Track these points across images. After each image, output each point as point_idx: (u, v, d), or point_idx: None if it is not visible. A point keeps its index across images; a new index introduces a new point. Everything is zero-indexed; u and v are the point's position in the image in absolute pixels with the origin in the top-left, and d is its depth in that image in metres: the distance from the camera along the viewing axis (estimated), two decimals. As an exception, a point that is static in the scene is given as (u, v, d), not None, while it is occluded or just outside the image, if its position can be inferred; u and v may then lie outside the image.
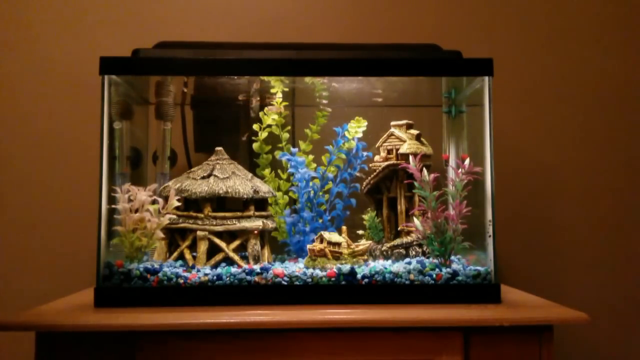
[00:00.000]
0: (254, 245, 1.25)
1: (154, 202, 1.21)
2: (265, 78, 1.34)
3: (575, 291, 1.68)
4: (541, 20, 1.74)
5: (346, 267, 1.15)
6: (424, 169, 1.27)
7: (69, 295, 1.26)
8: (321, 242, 1.24)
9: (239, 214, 1.26)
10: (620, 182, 1.72)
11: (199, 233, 1.22)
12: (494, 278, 1.15)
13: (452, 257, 1.25)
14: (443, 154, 1.47)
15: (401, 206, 1.36)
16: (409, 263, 1.21)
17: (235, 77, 1.37)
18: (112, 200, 1.16)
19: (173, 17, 1.68)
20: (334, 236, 1.24)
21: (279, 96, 1.42)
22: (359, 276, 1.15)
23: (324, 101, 1.46)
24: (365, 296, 1.13)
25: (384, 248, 1.34)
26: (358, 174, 1.43)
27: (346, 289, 1.14)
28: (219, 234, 1.24)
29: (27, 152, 1.63)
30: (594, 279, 1.69)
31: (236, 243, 1.25)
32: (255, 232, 1.25)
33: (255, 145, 1.44)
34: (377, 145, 1.42)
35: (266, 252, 1.29)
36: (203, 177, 1.27)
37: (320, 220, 1.42)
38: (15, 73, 1.64)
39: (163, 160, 1.43)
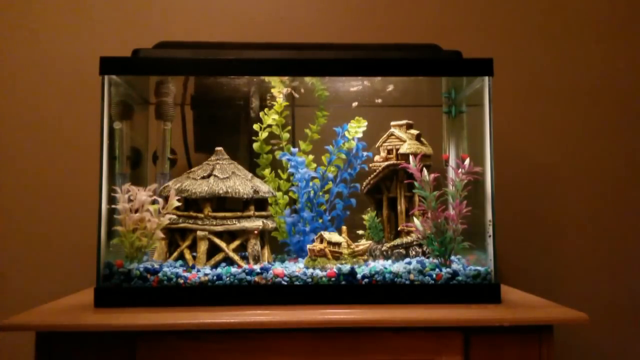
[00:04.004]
0: (254, 245, 1.25)
1: (154, 202, 1.21)
2: (266, 78, 1.34)
3: (575, 291, 1.68)
4: (541, 20, 1.74)
5: (346, 267, 1.15)
6: (424, 169, 1.27)
7: (69, 295, 1.26)
8: (321, 242, 1.24)
9: (239, 214, 1.26)
10: (621, 182, 1.72)
11: (199, 233, 1.22)
12: (494, 278, 1.15)
13: (452, 257, 1.25)
14: (443, 154, 1.47)
15: (401, 206, 1.36)
16: (409, 263, 1.21)
17: (236, 77, 1.37)
18: (112, 200, 1.16)
19: (173, 17, 1.68)
20: (334, 236, 1.24)
21: (279, 96, 1.42)
22: (359, 276, 1.15)
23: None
24: (365, 296, 1.13)
25: (384, 248, 1.33)
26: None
27: (346, 289, 1.14)
28: (219, 234, 1.24)
29: (27, 152, 1.63)
30: (594, 279, 1.69)
31: (236, 243, 1.25)
32: (255, 232, 1.25)
33: (255, 145, 1.44)
34: (377, 145, 1.42)
35: (266, 252, 1.29)
36: (203, 177, 1.27)
37: (320, 220, 1.42)
38: (16, 73, 1.64)
39: (163, 160, 1.43)
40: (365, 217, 1.38)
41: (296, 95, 1.42)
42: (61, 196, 1.62)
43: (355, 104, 1.40)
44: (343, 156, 1.45)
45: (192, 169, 1.31)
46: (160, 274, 1.13)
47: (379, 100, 1.44)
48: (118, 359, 1.02)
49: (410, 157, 1.31)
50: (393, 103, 1.48)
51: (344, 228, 1.28)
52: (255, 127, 1.43)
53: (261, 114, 1.44)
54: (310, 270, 1.17)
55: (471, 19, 1.73)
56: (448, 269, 1.17)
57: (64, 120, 1.64)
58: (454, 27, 1.72)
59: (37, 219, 1.62)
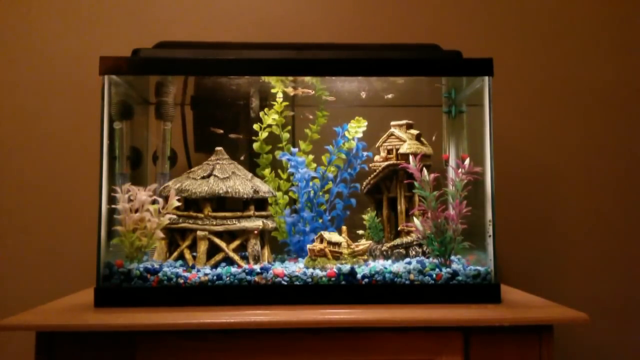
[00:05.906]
0: (254, 245, 1.25)
1: (154, 202, 1.21)
2: (266, 78, 1.34)
3: (575, 291, 1.68)
4: (541, 21, 1.74)
5: (346, 267, 1.15)
6: (424, 169, 1.27)
7: (69, 295, 1.26)
8: (321, 242, 1.24)
9: (239, 214, 1.26)
10: (620, 182, 1.72)
11: (199, 233, 1.22)
12: (494, 278, 1.15)
13: (452, 257, 1.25)
14: (443, 154, 1.47)
15: (401, 206, 1.36)
16: (409, 263, 1.21)
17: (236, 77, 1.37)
18: (112, 200, 1.16)
19: (173, 17, 1.68)
20: (334, 236, 1.24)
21: (279, 96, 1.42)
22: (359, 276, 1.15)
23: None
24: (365, 296, 1.13)
25: (384, 248, 1.33)
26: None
27: (346, 289, 1.14)
28: (219, 234, 1.24)
29: (27, 152, 1.63)
30: (594, 279, 1.69)
31: (236, 243, 1.25)
32: (255, 232, 1.25)
33: (255, 145, 1.44)
34: (377, 145, 1.42)
35: (266, 252, 1.29)
36: (203, 177, 1.27)
37: (320, 220, 1.42)
38: (15, 73, 1.64)
39: (163, 160, 1.43)
40: (365, 217, 1.38)
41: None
42: (61, 196, 1.62)
43: (363, 94, 1.40)
44: (343, 156, 1.45)
45: (192, 169, 1.31)
46: (160, 274, 1.13)
47: (389, 95, 1.43)
48: (118, 359, 1.02)
49: (410, 157, 1.31)
50: (393, 103, 1.48)
51: (344, 228, 1.28)
52: (255, 127, 1.44)
53: (261, 113, 1.44)
54: (310, 270, 1.17)
55: (471, 19, 1.73)
56: (448, 269, 1.17)
57: (64, 120, 1.64)
58: (454, 27, 1.72)
59: (37, 219, 1.62)
